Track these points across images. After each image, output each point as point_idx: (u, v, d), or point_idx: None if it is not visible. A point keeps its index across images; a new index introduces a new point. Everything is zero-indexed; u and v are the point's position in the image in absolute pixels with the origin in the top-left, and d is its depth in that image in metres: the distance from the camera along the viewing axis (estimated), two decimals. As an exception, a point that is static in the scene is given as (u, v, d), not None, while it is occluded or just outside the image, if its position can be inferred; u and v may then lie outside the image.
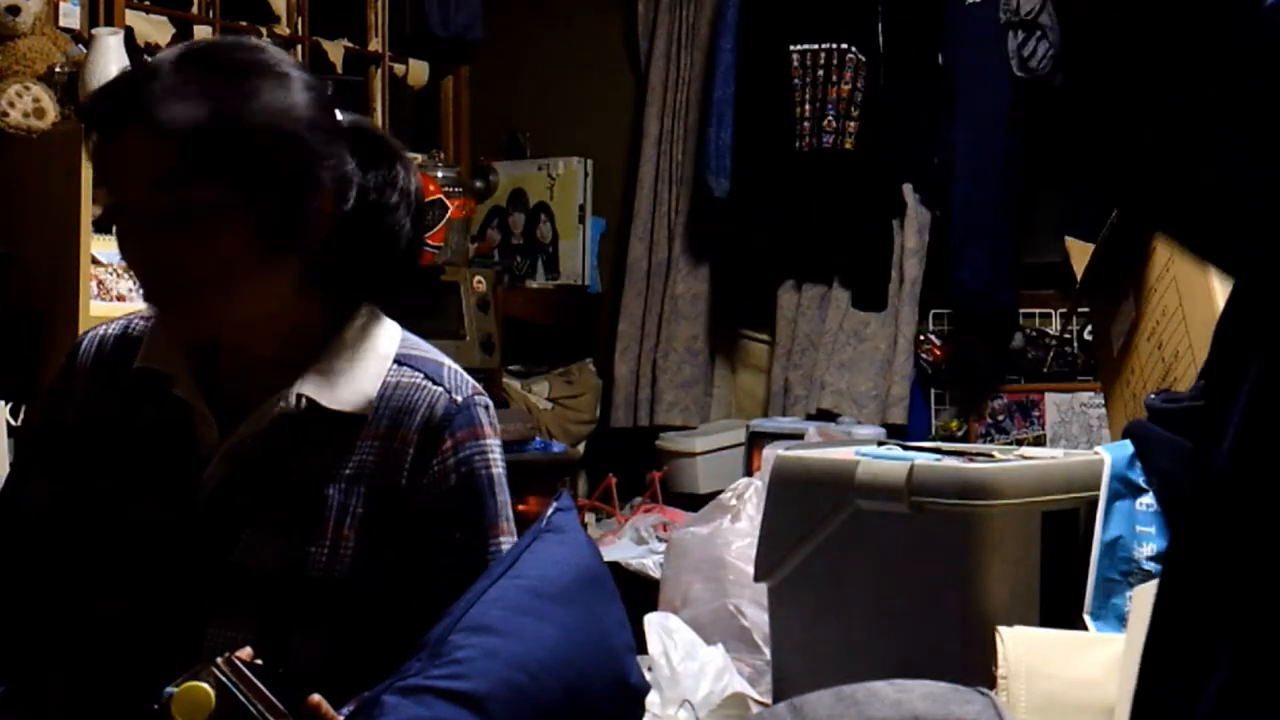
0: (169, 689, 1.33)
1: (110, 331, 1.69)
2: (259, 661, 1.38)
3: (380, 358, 1.60)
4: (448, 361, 1.65)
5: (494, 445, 1.61)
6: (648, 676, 2.24)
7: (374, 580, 1.55)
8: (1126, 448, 2.33)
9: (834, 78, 4.42)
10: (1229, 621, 0.93)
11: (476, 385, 1.64)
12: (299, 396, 1.56)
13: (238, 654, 1.37)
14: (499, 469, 1.61)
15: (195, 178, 1.47)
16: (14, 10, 3.40)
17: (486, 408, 1.63)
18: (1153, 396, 2.44)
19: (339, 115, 1.58)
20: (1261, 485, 0.92)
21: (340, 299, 1.60)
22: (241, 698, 1.33)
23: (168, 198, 1.47)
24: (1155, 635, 1.03)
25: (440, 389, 1.59)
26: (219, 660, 1.35)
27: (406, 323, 1.69)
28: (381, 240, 1.59)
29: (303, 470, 1.56)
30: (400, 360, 1.61)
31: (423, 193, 1.66)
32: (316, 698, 1.38)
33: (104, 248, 3.24)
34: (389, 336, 1.63)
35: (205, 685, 1.33)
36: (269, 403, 1.56)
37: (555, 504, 1.64)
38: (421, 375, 1.60)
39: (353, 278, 1.59)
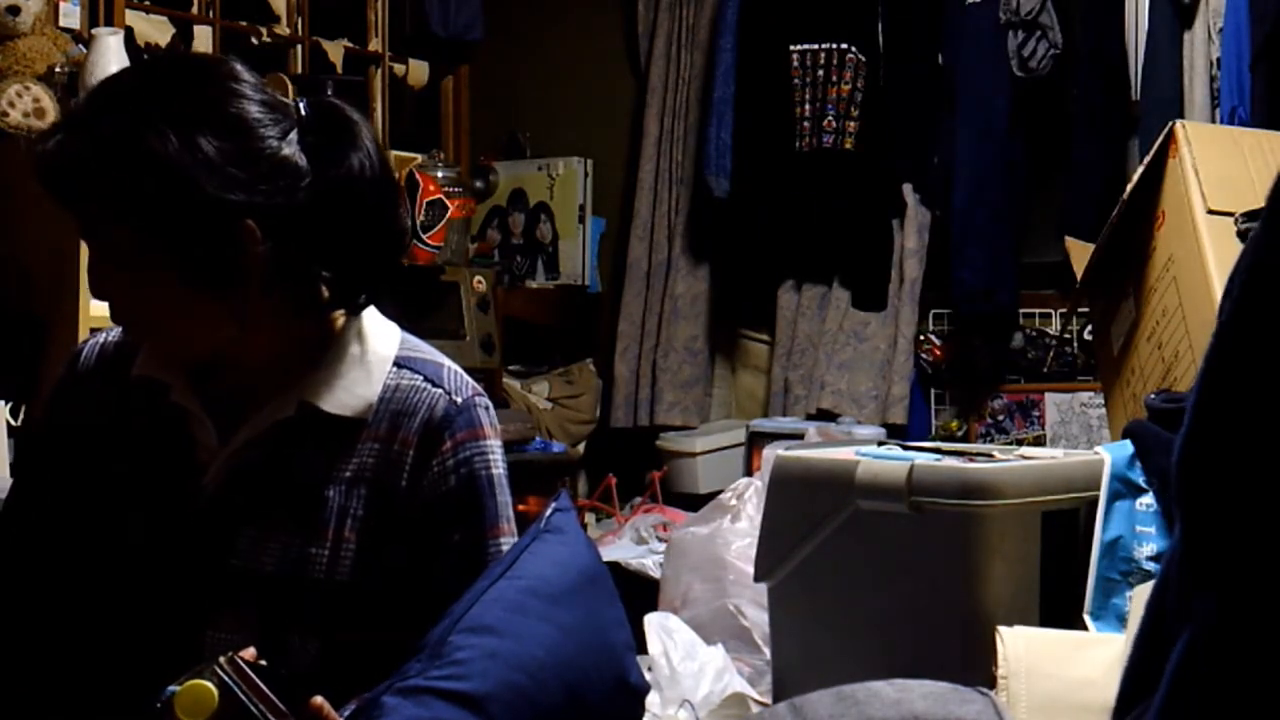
0: (171, 687, 1.33)
1: (110, 338, 1.69)
2: (262, 662, 1.38)
3: (380, 360, 1.60)
4: (447, 362, 1.64)
5: (494, 446, 1.61)
6: (648, 676, 2.24)
7: (375, 582, 1.55)
8: (1126, 448, 2.33)
9: (834, 78, 4.42)
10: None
11: (476, 386, 1.64)
12: (299, 403, 1.56)
13: (241, 654, 1.37)
14: (499, 469, 1.61)
15: (107, 225, 1.48)
16: (14, 10, 3.40)
17: (487, 408, 1.62)
18: (1153, 396, 2.44)
19: (300, 107, 1.53)
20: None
21: (327, 303, 1.59)
22: (244, 697, 1.33)
23: (92, 239, 1.51)
24: (1147, 626, 1.03)
25: (440, 390, 1.59)
26: (222, 660, 1.35)
27: (406, 323, 1.69)
28: (348, 242, 1.54)
29: (303, 473, 1.56)
30: (400, 363, 1.61)
31: (392, 181, 1.63)
32: (319, 700, 1.39)
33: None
34: (388, 339, 1.63)
35: (208, 684, 1.33)
36: (268, 409, 1.56)
37: (554, 504, 1.64)
38: (421, 377, 1.60)
39: (333, 280, 1.57)
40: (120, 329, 1.68)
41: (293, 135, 1.50)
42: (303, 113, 1.53)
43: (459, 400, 1.59)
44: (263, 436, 1.56)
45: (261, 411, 1.56)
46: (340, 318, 1.60)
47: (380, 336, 1.62)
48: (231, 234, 1.47)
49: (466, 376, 1.64)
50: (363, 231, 1.55)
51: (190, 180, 1.44)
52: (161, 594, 1.55)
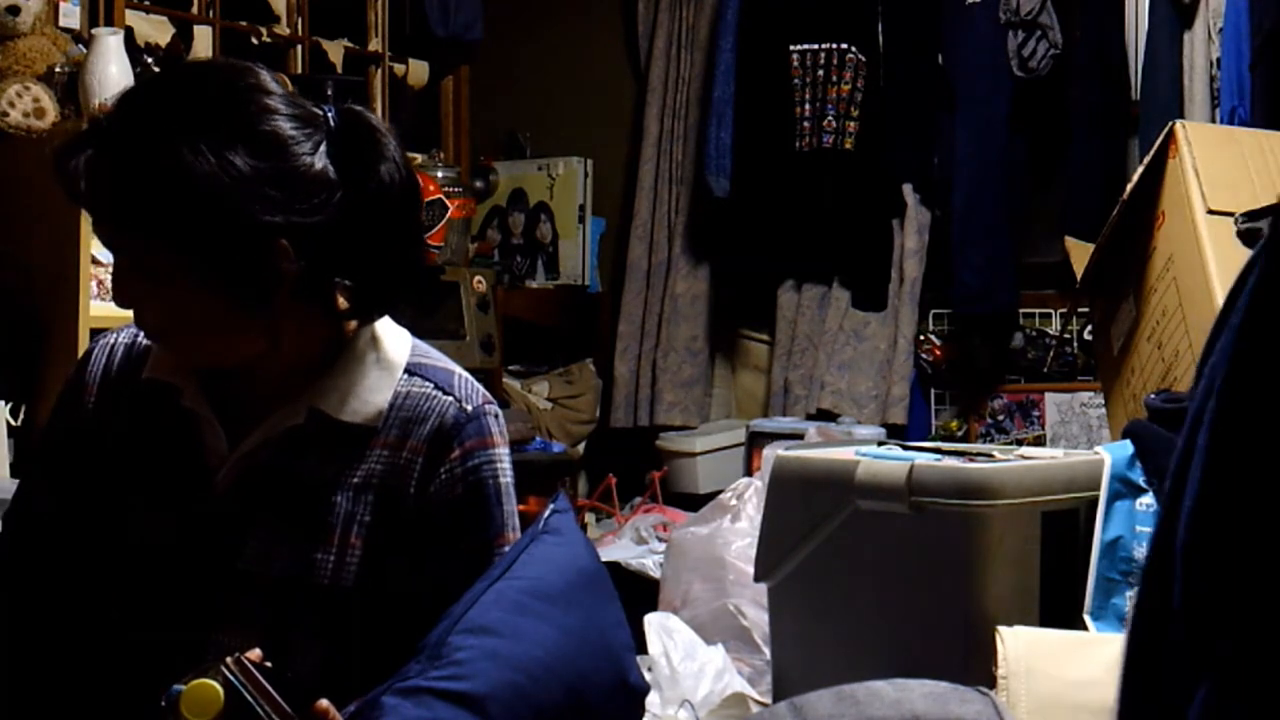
0: (177, 686, 1.33)
1: (120, 340, 1.69)
2: (268, 664, 1.38)
3: (391, 367, 1.60)
4: (458, 370, 1.64)
5: (503, 454, 1.61)
6: (648, 676, 2.24)
7: (379, 588, 1.54)
8: (1126, 448, 2.33)
9: (834, 78, 4.42)
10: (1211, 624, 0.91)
11: (487, 394, 1.64)
12: (309, 409, 1.56)
13: (247, 655, 1.37)
14: (507, 478, 1.61)
15: (137, 239, 1.47)
16: (14, 10, 3.40)
17: (497, 416, 1.62)
18: (1153, 396, 2.44)
19: (329, 117, 1.52)
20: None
21: (346, 312, 1.58)
22: (249, 698, 1.33)
23: (122, 254, 1.50)
24: (1138, 630, 1.02)
25: (450, 398, 1.59)
26: (228, 660, 1.35)
27: (406, 324, 1.69)
28: (376, 252, 1.54)
29: (311, 479, 1.56)
30: (411, 369, 1.61)
31: (417, 188, 1.62)
32: (324, 703, 1.39)
33: (104, 248, 3.23)
34: (400, 345, 1.63)
35: (214, 684, 1.33)
36: (279, 415, 1.56)
37: (552, 506, 1.64)
38: (432, 385, 1.60)
39: (357, 289, 1.56)
40: (130, 331, 1.68)
41: (323, 148, 1.49)
42: (331, 123, 1.51)
43: (469, 408, 1.59)
44: (272, 442, 1.56)
45: (272, 417, 1.56)
46: (353, 324, 1.60)
47: (392, 343, 1.62)
48: (264, 253, 1.46)
49: (477, 384, 1.64)
50: (391, 241, 1.55)
51: (225, 200, 1.43)
52: (168, 596, 1.55)
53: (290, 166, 1.46)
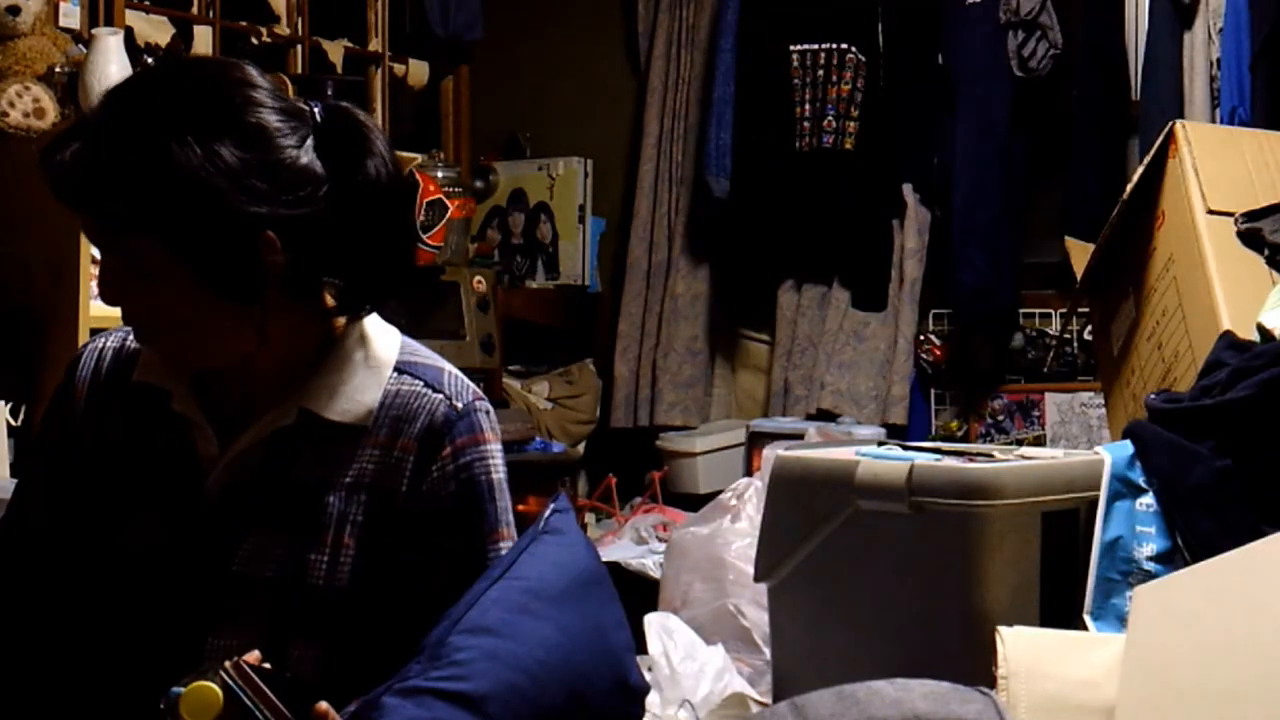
0: (176, 689, 1.33)
1: (108, 344, 1.69)
2: (266, 665, 1.38)
3: (381, 366, 1.60)
4: (448, 367, 1.64)
5: (495, 450, 1.61)
6: (648, 676, 2.24)
7: (374, 588, 1.54)
8: (1126, 448, 2.33)
9: (834, 78, 4.42)
10: None
11: (477, 390, 1.63)
12: (300, 409, 1.56)
13: (245, 658, 1.37)
14: (500, 474, 1.60)
15: (125, 235, 1.47)
16: (14, 10, 3.40)
17: (488, 413, 1.62)
18: (1153, 396, 2.44)
19: (315, 112, 1.52)
20: None
21: (332, 309, 1.58)
22: (248, 701, 1.33)
23: (109, 251, 1.51)
24: None
25: (440, 396, 1.59)
26: (226, 664, 1.35)
27: (406, 323, 1.68)
28: (364, 248, 1.54)
29: (303, 479, 1.55)
30: (400, 368, 1.61)
31: (408, 186, 1.62)
32: (324, 705, 1.39)
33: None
34: (389, 344, 1.62)
35: (213, 685, 1.33)
36: (269, 416, 1.56)
37: (552, 505, 1.64)
38: (421, 383, 1.59)
39: (346, 286, 1.56)
40: (118, 334, 1.68)
41: (309, 142, 1.49)
42: (318, 118, 1.52)
43: (459, 405, 1.59)
44: (263, 443, 1.56)
45: (262, 419, 1.56)
46: (341, 322, 1.60)
47: (381, 341, 1.62)
48: (251, 245, 1.46)
49: (467, 381, 1.64)
50: (378, 238, 1.55)
51: (212, 192, 1.43)
52: (163, 600, 1.54)
53: (277, 158, 1.46)
